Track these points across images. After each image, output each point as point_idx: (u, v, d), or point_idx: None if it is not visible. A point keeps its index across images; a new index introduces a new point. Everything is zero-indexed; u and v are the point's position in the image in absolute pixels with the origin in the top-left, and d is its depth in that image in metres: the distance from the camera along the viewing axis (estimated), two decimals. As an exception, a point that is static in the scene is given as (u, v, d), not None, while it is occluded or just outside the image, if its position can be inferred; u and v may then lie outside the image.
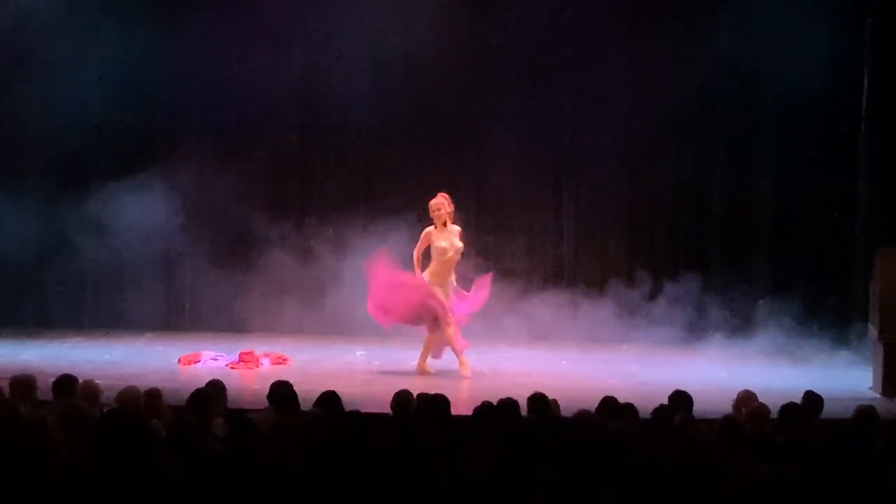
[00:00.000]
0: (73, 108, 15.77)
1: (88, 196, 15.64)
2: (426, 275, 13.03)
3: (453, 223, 13.14)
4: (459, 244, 13.06)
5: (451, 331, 12.92)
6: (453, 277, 13.19)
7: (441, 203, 13.06)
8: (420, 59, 16.13)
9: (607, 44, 16.29)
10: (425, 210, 13.34)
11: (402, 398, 8.26)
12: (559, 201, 16.85)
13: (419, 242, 13.12)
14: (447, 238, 13.01)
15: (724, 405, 8.88)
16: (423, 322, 13.11)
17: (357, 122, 16.50)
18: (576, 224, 16.85)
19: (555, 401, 8.52)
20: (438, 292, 12.94)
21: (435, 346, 13.14)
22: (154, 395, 8.16)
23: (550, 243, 16.83)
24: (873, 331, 13.28)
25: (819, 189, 16.38)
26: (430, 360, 13.15)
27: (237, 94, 16.29)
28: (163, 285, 16.47)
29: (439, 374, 12.99)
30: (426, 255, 13.17)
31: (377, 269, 13.15)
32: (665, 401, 8.39)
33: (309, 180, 16.77)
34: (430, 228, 13.08)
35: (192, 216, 16.43)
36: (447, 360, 13.12)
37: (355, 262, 15.14)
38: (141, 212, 15.84)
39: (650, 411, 8.08)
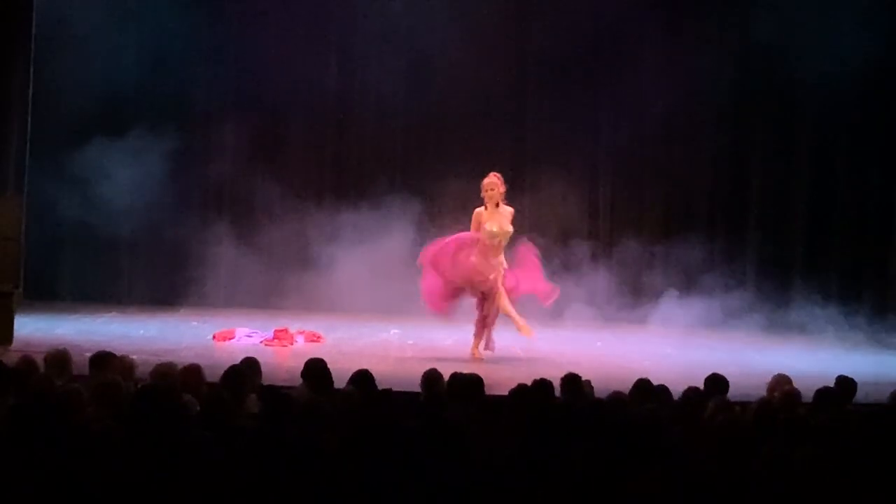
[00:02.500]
0: (111, 85, 15.87)
1: (124, 171, 15.72)
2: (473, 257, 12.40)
3: (506, 204, 12.49)
4: (509, 228, 12.39)
5: (504, 300, 12.34)
6: (503, 259, 12.49)
7: (494, 182, 12.40)
8: (462, 43, 16.15)
9: (649, 25, 16.30)
10: (460, 194, 13.26)
11: (430, 377, 8.24)
12: (595, 186, 16.89)
13: (472, 225, 12.36)
14: (497, 220, 12.33)
15: (758, 388, 8.85)
16: (475, 292, 12.45)
17: (393, 107, 16.60)
18: (612, 207, 16.88)
19: (588, 382, 8.51)
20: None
21: (482, 328, 12.56)
22: (194, 370, 8.16)
23: (586, 231, 16.85)
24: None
25: (856, 172, 16.35)
26: (484, 352, 12.57)
27: (275, 79, 16.40)
28: (198, 262, 16.53)
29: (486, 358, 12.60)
30: None
31: (430, 256, 12.49)
32: (699, 383, 8.37)
33: (344, 164, 16.86)
34: (481, 209, 12.41)
35: (226, 196, 16.55)
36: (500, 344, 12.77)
37: (390, 243, 15.19)
38: (174, 189, 15.97)
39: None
